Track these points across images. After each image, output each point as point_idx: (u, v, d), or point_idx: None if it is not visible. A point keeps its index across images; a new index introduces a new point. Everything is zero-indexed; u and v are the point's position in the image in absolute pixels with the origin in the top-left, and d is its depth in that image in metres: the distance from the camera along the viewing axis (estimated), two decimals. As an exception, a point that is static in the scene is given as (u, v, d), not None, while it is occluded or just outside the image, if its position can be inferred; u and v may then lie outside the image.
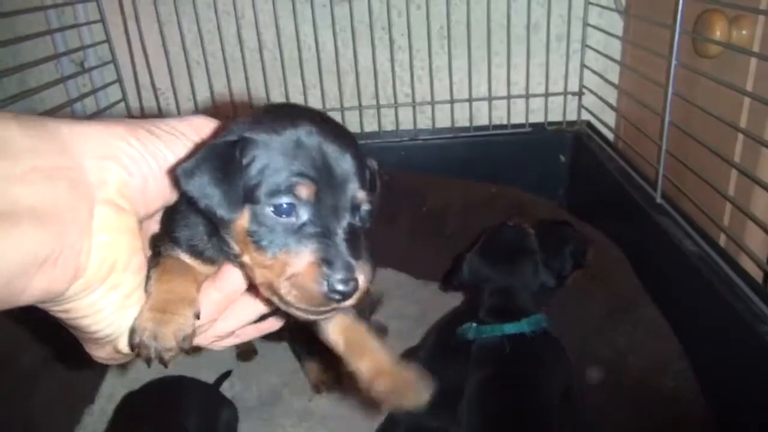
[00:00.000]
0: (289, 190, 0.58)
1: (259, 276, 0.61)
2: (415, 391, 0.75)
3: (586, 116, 2.21)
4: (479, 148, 2.21)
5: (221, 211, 0.59)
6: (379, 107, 2.24)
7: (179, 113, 2.24)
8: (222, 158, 0.59)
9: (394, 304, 1.87)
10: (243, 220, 0.60)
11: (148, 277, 0.61)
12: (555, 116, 2.23)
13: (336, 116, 2.23)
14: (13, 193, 0.48)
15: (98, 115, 2.18)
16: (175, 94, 2.22)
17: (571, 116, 2.23)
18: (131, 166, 0.57)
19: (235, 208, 0.59)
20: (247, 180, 0.59)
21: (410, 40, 2.14)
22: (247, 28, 2.12)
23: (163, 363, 0.61)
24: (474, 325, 1.39)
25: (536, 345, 1.32)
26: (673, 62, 1.45)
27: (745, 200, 1.35)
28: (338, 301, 0.58)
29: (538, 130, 2.23)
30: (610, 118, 2.12)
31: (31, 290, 0.50)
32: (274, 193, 0.58)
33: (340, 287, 0.57)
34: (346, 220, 0.60)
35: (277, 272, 0.59)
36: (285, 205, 0.58)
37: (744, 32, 1.37)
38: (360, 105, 2.23)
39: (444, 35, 2.16)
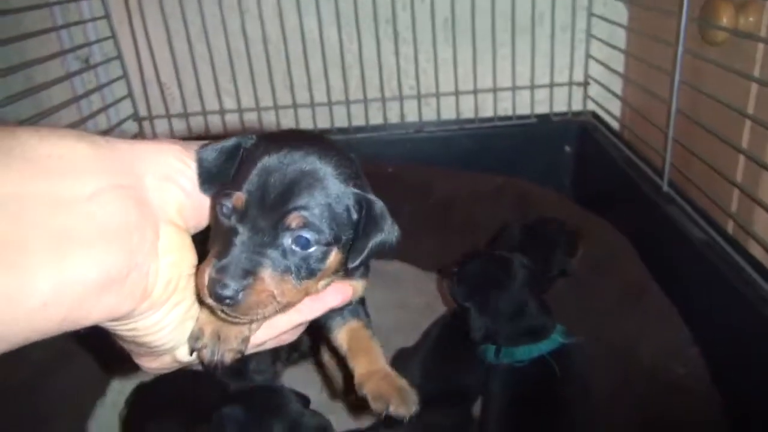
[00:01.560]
0: (229, 196, 0.61)
1: None
2: (403, 400, 0.76)
3: (591, 106, 2.21)
4: (485, 140, 2.21)
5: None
6: (384, 100, 2.24)
7: (185, 109, 2.24)
8: (225, 151, 0.66)
9: (400, 295, 1.87)
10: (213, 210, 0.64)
11: None
12: (560, 107, 2.22)
13: (341, 110, 2.24)
14: (86, 213, 0.48)
15: (104, 111, 2.19)
16: (180, 89, 2.22)
17: (577, 106, 2.22)
18: (188, 187, 0.59)
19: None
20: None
21: (415, 32, 2.14)
22: (251, 22, 2.13)
23: (223, 365, 0.64)
24: (494, 347, 1.28)
25: (571, 356, 1.24)
26: (680, 49, 1.45)
27: (752, 186, 1.35)
28: (226, 304, 0.59)
29: (543, 121, 2.22)
30: (615, 107, 2.11)
31: (99, 311, 0.51)
32: (224, 195, 0.62)
33: (219, 291, 0.58)
34: (267, 235, 0.62)
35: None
36: (224, 208, 0.62)
37: (751, 19, 1.37)
38: (365, 98, 2.23)
39: (448, 27, 2.15)
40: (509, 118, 2.24)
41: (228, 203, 0.61)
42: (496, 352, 1.28)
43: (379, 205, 0.71)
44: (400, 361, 1.45)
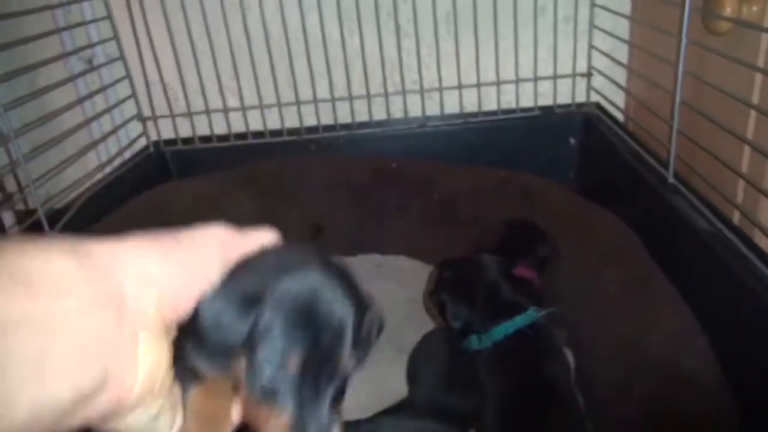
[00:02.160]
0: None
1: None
2: None
3: (595, 98, 2.20)
4: (488, 133, 2.22)
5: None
6: (387, 95, 2.24)
7: (189, 108, 2.25)
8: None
9: (408, 289, 1.88)
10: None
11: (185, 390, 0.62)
12: (564, 99, 2.22)
13: (344, 106, 2.24)
14: (65, 332, 0.48)
15: (108, 112, 2.20)
16: (183, 88, 2.23)
17: (580, 98, 2.22)
18: (167, 287, 0.57)
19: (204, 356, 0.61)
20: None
21: (416, 26, 2.14)
22: (253, 20, 2.13)
23: None
24: (476, 335, 1.33)
25: (549, 330, 1.32)
26: (683, 40, 1.44)
27: (758, 177, 1.35)
28: None
29: (547, 113, 2.22)
30: (619, 98, 2.11)
31: (78, 419, 0.50)
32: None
33: None
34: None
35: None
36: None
37: (754, 8, 1.36)
38: (368, 93, 2.23)
39: (450, 20, 2.15)
40: (513, 111, 2.23)
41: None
42: (478, 339, 1.33)
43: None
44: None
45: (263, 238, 0.67)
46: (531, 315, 1.32)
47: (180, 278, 0.58)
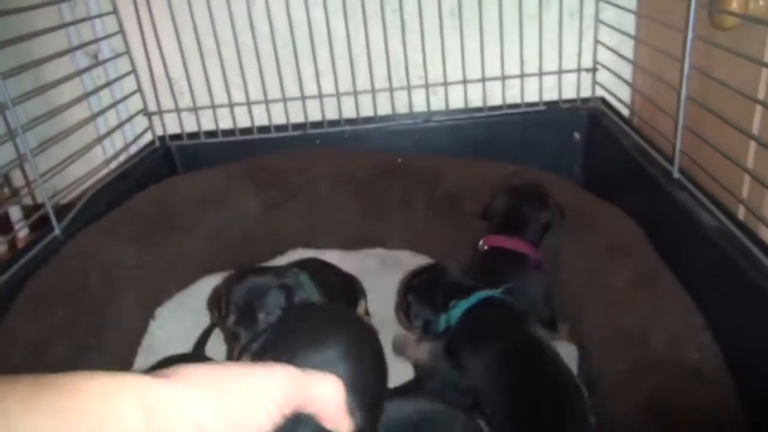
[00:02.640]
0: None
1: None
2: None
3: (600, 93, 2.20)
4: (494, 128, 2.22)
5: None
6: (392, 90, 2.24)
7: (194, 103, 2.26)
8: None
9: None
10: None
11: None
12: (569, 93, 2.22)
13: (350, 101, 2.25)
14: None
15: (114, 107, 2.21)
16: (189, 83, 2.24)
17: (586, 93, 2.22)
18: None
19: None
20: None
21: (421, 21, 2.14)
22: (258, 15, 2.13)
23: None
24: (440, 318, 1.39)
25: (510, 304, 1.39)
26: (690, 35, 1.44)
27: (763, 172, 1.35)
28: None
29: (552, 108, 2.22)
30: (625, 93, 2.11)
31: None
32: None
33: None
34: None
35: None
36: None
37: (761, 3, 1.36)
38: (373, 89, 2.23)
39: (455, 15, 2.15)
40: (518, 105, 2.24)
41: None
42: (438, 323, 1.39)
43: None
44: None
45: (328, 391, 0.66)
46: (484, 292, 1.37)
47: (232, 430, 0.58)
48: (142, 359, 1.57)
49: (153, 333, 1.66)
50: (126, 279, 1.59)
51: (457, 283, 1.44)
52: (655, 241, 1.52)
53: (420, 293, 1.45)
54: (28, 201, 2.34)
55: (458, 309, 1.36)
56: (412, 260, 2.07)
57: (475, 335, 1.34)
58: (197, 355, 1.55)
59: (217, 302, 1.42)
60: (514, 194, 1.71)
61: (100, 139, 2.17)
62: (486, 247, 1.64)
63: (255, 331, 1.25)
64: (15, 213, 2.35)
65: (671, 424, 1.08)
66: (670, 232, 1.50)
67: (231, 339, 1.33)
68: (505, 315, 1.37)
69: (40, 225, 1.75)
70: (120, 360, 1.50)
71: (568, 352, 1.50)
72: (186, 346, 1.60)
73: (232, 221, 1.92)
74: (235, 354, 1.26)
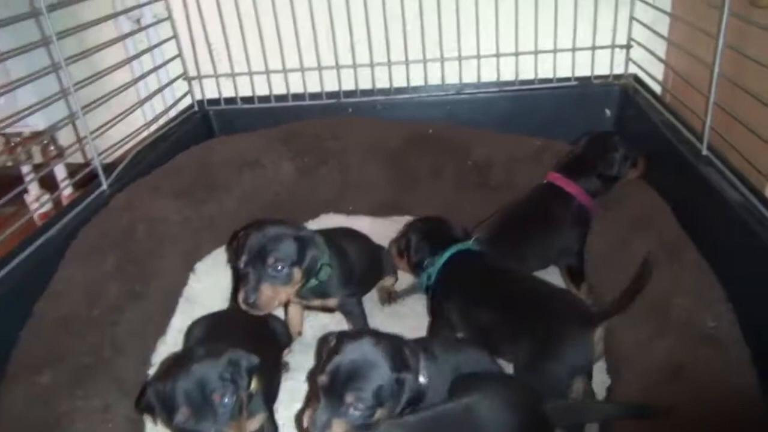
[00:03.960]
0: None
1: None
2: None
3: (633, 69, 2.21)
4: (524, 102, 2.24)
5: None
6: (425, 62, 2.27)
7: (232, 69, 2.32)
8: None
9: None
10: None
11: None
12: (602, 69, 2.23)
13: (383, 71, 2.29)
14: None
15: (155, 71, 2.28)
16: (228, 49, 2.30)
17: (619, 70, 2.23)
18: None
19: None
20: None
21: (458, -7, 2.16)
22: (297, -17, 2.17)
23: None
24: (426, 274, 1.57)
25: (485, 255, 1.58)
26: (725, 12, 1.45)
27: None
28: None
29: (584, 84, 2.24)
30: (658, 71, 2.12)
31: None
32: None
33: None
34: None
35: None
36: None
37: (800, -19, 1.36)
38: (407, 59, 2.27)
39: (491, -12, 2.16)
40: (550, 80, 2.26)
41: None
42: (428, 276, 1.56)
43: (410, 384, 1.10)
44: None
45: None
46: (466, 243, 1.57)
47: None
48: (183, 308, 1.67)
49: (192, 285, 1.75)
50: (169, 233, 1.67)
51: (447, 231, 1.64)
52: (681, 215, 1.55)
53: (420, 232, 1.64)
54: (73, 161, 2.44)
55: (441, 259, 1.54)
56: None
57: (452, 283, 1.52)
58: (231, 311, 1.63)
59: (234, 244, 1.50)
60: (594, 137, 1.81)
61: (141, 102, 2.25)
62: (545, 181, 1.78)
63: (263, 274, 1.35)
64: (60, 172, 2.46)
65: (685, 384, 1.13)
66: (695, 207, 1.53)
67: (240, 279, 1.40)
68: (475, 261, 1.55)
69: (84, 185, 1.85)
70: (163, 307, 1.60)
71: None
72: (222, 299, 1.69)
73: (267, 184, 1.99)
74: (240, 295, 1.35)
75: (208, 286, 1.76)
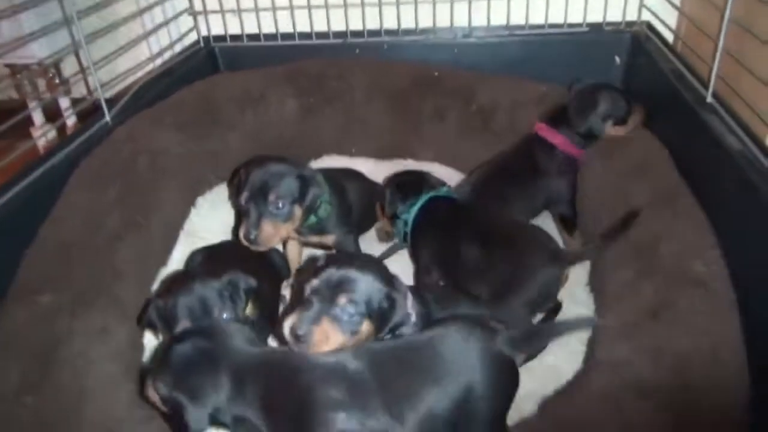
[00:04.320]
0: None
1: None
2: None
3: (646, 17, 2.16)
4: (534, 47, 2.21)
5: None
6: (434, 2, 2.23)
7: (238, 5, 2.28)
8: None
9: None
10: None
11: None
12: (614, 16, 2.18)
13: (391, 10, 2.24)
14: None
15: (160, 4, 2.25)
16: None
17: (631, 16, 2.18)
18: None
19: None
20: None
21: (469, -69, 2.10)
22: None
23: None
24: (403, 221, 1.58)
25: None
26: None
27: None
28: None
29: (595, 30, 2.19)
30: (671, 18, 2.06)
31: None
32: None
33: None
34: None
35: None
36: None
37: None
38: (415, 0, 2.22)
39: (505, -73, 2.10)
40: (560, 26, 2.21)
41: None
42: (405, 223, 1.58)
43: (399, 301, 1.11)
44: None
45: None
46: (440, 190, 1.59)
47: None
48: (184, 240, 1.70)
49: (193, 219, 1.78)
50: (171, 165, 1.69)
51: (420, 181, 1.64)
52: (681, 162, 1.55)
53: (395, 186, 1.64)
54: (77, 93, 2.45)
55: (414, 206, 1.56)
56: (441, 172, 2.13)
57: (426, 225, 1.55)
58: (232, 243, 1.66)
59: (235, 180, 1.52)
60: (582, 90, 1.79)
61: (146, 35, 2.24)
62: (533, 132, 1.79)
63: (264, 211, 1.38)
64: (64, 102, 2.47)
65: (669, 323, 1.15)
66: (696, 155, 1.53)
67: (240, 215, 1.44)
68: (449, 205, 1.59)
69: (87, 116, 1.86)
70: (164, 238, 1.63)
71: (580, 265, 1.58)
72: (223, 234, 1.72)
73: (271, 122, 1.99)
74: (241, 230, 1.39)
75: (209, 221, 1.79)
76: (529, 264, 1.34)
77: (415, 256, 1.62)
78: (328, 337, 1.04)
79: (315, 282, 1.07)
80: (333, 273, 1.07)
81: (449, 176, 2.07)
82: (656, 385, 1.07)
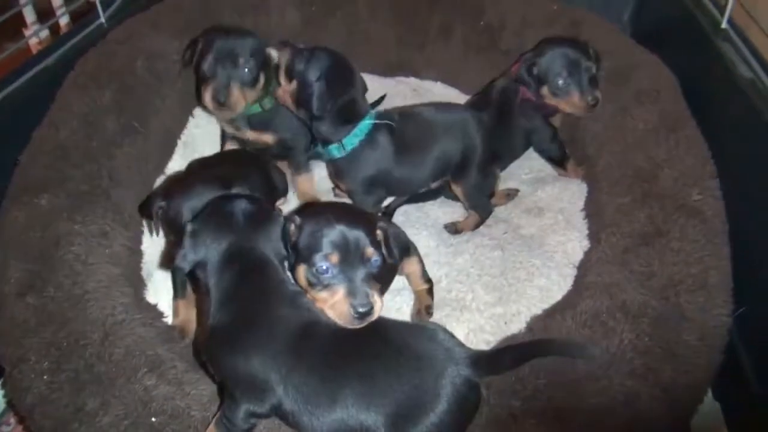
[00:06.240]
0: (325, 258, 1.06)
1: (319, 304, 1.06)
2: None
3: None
4: (547, -38, 2.10)
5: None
6: None
7: None
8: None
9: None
10: (300, 273, 1.08)
11: None
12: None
13: None
14: None
15: None
16: None
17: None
18: None
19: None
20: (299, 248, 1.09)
21: None
22: None
23: None
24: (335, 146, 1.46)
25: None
26: None
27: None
28: (360, 318, 1.02)
29: (612, -52, 2.09)
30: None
31: None
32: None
33: (360, 310, 1.02)
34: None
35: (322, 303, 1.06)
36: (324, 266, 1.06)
37: None
38: None
39: None
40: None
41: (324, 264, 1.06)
42: (338, 148, 1.46)
43: (393, 230, 1.20)
44: None
45: None
46: (371, 115, 1.47)
47: None
48: (181, 151, 1.69)
49: (191, 130, 1.76)
50: (169, 72, 1.64)
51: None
52: (690, 90, 1.52)
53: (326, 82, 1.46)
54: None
55: (353, 139, 1.45)
56: (444, 92, 2.10)
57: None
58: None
59: (197, 46, 1.48)
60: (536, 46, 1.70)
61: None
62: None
63: (233, 74, 1.41)
64: (57, 0, 2.37)
65: (661, 249, 1.17)
66: (706, 82, 1.50)
67: (204, 80, 1.44)
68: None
69: (80, 17, 1.79)
70: (161, 147, 1.61)
71: (578, 189, 1.59)
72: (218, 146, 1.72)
73: (271, 30, 1.92)
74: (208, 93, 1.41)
75: (207, 133, 1.76)
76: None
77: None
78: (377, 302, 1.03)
79: (334, 256, 1.04)
80: (336, 236, 1.05)
81: (451, 98, 2.04)
82: (643, 308, 1.10)
